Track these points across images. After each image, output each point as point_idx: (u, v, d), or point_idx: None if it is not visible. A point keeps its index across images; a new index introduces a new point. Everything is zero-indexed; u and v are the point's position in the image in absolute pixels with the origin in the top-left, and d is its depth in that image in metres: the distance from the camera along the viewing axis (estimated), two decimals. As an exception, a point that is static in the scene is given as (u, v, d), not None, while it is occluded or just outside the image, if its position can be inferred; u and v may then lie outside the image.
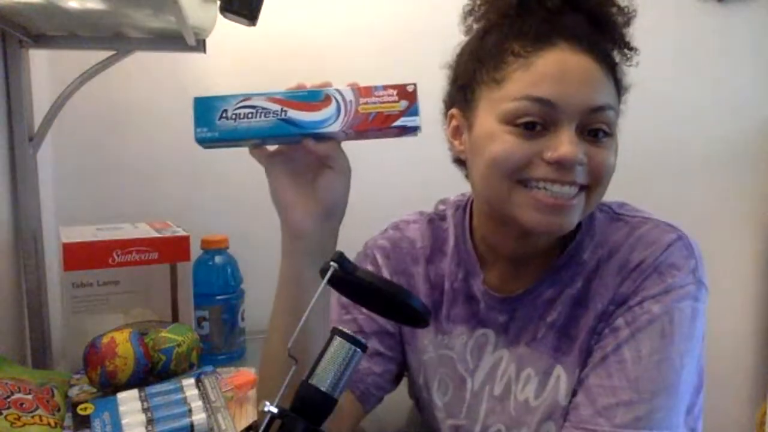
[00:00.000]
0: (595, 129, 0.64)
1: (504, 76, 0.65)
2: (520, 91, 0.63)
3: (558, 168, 0.63)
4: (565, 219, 0.65)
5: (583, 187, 0.65)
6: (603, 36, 0.68)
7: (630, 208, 0.75)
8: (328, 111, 0.59)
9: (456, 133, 0.73)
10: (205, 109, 0.60)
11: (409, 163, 1.32)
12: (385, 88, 0.60)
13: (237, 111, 0.59)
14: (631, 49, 0.70)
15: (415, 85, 0.60)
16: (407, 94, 0.60)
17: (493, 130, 0.65)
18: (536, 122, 0.63)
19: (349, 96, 0.59)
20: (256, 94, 0.60)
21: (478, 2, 0.72)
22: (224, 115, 0.59)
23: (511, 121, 0.64)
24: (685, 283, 0.67)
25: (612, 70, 0.67)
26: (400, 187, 1.31)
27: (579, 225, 0.73)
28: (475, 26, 0.73)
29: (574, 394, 0.69)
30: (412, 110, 0.60)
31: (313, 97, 0.59)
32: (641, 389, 0.64)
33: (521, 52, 0.64)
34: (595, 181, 0.65)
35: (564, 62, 0.63)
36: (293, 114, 0.59)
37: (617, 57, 0.70)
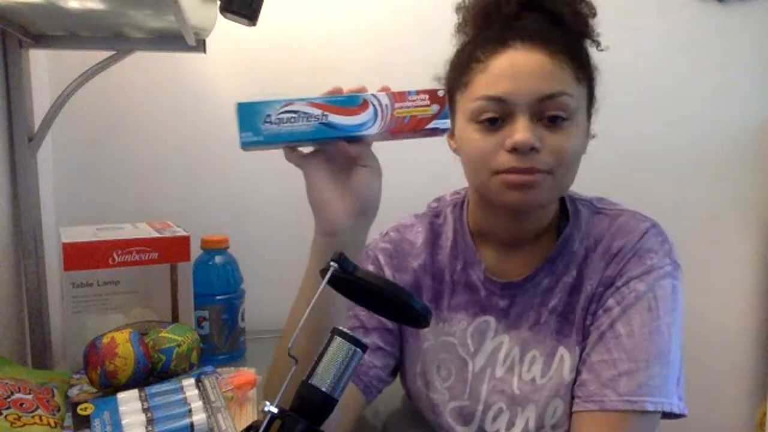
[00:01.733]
0: (552, 115, 0.71)
1: (468, 80, 0.74)
2: (478, 92, 0.73)
3: (516, 154, 0.70)
4: (532, 194, 0.72)
5: (546, 172, 0.71)
6: (561, 30, 0.74)
7: (608, 202, 0.83)
8: (367, 115, 0.62)
9: (452, 135, 0.81)
10: (249, 114, 0.61)
11: (410, 165, 1.32)
12: (417, 93, 0.63)
13: (280, 116, 0.61)
14: (593, 39, 0.78)
15: (445, 90, 0.64)
16: (438, 99, 0.63)
17: (464, 129, 0.75)
18: (495, 117, 0.72)
19: (385, 101, 0.62)
20: (297, 99, 0.62)
21: (462, 20, 0.81)
22: (268, 119, 0.61)
23: (474, 118, 0.73)
24: (663, 264, 0.75)
25: (570, 58, 0.72)
26: (400, 188, 1.31)
27: (567, 219, 0.81)
28: (462, 38, 0.82)
29: (578, 372, 0.75)
30: (444, 113, 0.63)
31: (352, 102, 0.62)
32: (638, 359, 0.71)
33: (481, 58, 0.73)
34: (557, 163, 0.71)
35: (515, 61, 0.71)
36: (333, 118, 0.62)
37: (582, 44, 0.76)
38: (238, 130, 0.61)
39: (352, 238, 0.65)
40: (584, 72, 0.75)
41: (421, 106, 0.63)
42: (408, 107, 0.63)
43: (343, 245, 0.64)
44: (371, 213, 0.67)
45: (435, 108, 0.63)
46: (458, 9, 0.82)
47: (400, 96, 0.63)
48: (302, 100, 0.62)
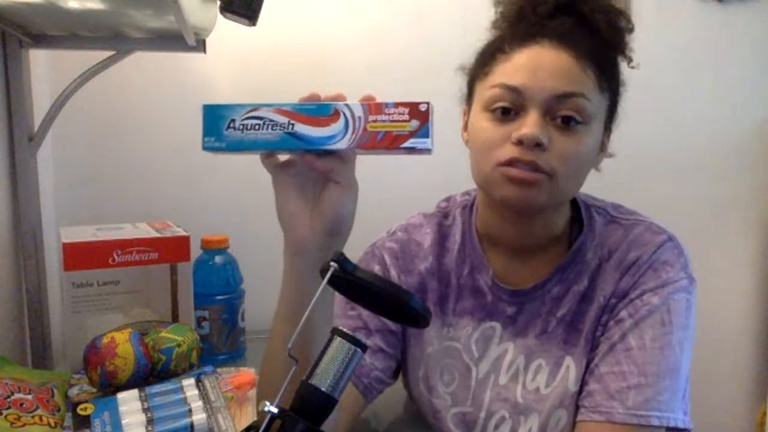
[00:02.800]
0: (566, 116, 0.69)
1: (490, 69, 0.74)
2: (496, 80, 0.72)
3: (520, 147, 0.69)
4: (531, 193, 0.70)
5: (547, 173, 0.69)
6: (592, 37, 0.73)
7: (624, 210, 0.81)
8: (336, 127, 0.57)
9: (466, 126, 0.80)
10: (214, 117, 0.58)
11: (410, 165, 1.32)
12: (396, 105, 0.57)
13: (244, 122, 0.58)
14: (622, 51, 0.76)
15: (428, 104, 0.56)
16: (419, 114, 0.56)
17: (478, 118, 0.74)
18: (508, 107, 0.70)
19: (359, 112, 0.57)
20: (265, 105, 0.58)
21: (499, 15, 0.80)
22: (232, 125, 0.58)
23: (488, 107, 0.72)
24: (679, 278, 0.73)
25: (596, 64, 0.71)
26: (400, 189, 1.31)
27: (581, 227, 0.79)
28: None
29: (585, 383, 0.74)
30: (423, 131, 0.56)
31: (322, 112, 0.57)
32: (648, 373, 0.70)
33: (506, 49, 0.73)
34: (560, 166, 0.70)
35: (538, 56, 0.70)
36: (300, 128, 0.57)
37: (612, 56, 0.75)
38: (202, 133, 0.58)
39: (321, 257, 0.59)
40: (608, 82, 0.73)
41: (399, 120, 0.56)
42: (383, 121, 0.56)
43: (312, 264, 0.60)
44: (342, 233, 0.63)
45: (414, 124, 0.56)
46: (496, 3, 0.80)
47: (376, 108, 0.56)
48: (270, 106, 0.57)
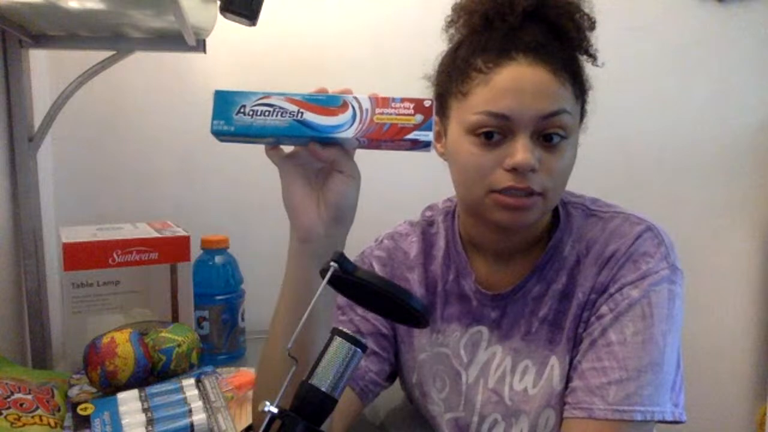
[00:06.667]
0: (550, 133, 0.69)
1: (468, 90, 0.71)
2: (481, 106, 0.70)
3: (514, 174, 0.69)
4: (525, 216, 0.71)
5: (539, 194, 0.70)
6: (562, 44, 0.73)
7: (602, 203, 0.80)
8: (344, 117, 0.60)
9: (438, 137, 0.79)
10: (225, 102, 0.61)
11: (405, 165, 1.32)
12: (402, 100, 0.60)
13: (255, 108, 0.60)
14: (591, 54, 0.76)
15: (432, 100, 0.61)
16: (423, 109, 0.60)
17: (460, 140, 0.73)
18: (494, 132, 0.69)
19: (366, 104, 0.60)
20: (276, 94, 0.60)
21: (457, 16, 0.78)
22: (242, 110, 0.60)
23: (473, 131, 0.71)
24: (659, 268, 0.72)
25: (571, 75, 0.71)
26: (396, 190, 1.31)
27: (557, 223, 0.79)
28: (455, 37, 0.78)
29: (570, 380, 0.74)
30: (427, 125, 0.60)
31: (331, 102, 0.60)
32: (629, 367, 0.69)
33: (483, 68, 0.70)
34: (551, 184, 0.70)
35: (519, 77, 0.69)
36: (309, 116, 0.60)
37: (580, 59, 0.74)
38: (212, 116, 0.60)
39: (327, 245, 0.63)
40: (581, 89, 0.73)
41: (404, 114, 0.60)
42: (389, 114, 0.60)
43: (319, 252, 0.63)
44: (347, 221, 0.65)
45: (419, 118, 0.60)
46: (455, 8, 0.79)
47: (383, 101, 0.60)
48: (281, 94, 0.60)
